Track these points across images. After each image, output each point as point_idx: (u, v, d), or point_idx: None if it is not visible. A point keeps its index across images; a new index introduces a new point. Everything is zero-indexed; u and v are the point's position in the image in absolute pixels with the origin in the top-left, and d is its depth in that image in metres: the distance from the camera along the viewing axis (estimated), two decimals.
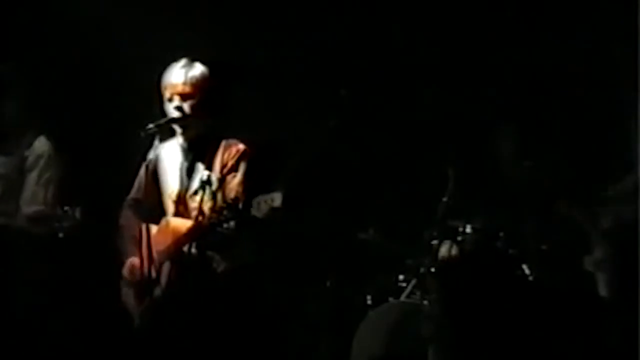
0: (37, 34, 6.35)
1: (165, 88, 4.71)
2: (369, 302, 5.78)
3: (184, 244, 4.58)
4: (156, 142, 4.71)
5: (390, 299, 5.74)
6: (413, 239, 5.74)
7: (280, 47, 6.29)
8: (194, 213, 4.58)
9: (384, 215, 6.06)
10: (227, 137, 4.71)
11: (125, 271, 4.76)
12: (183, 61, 4.72)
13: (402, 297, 5.70)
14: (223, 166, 4.62)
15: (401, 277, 5.80)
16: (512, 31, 6.15)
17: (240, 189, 4.55)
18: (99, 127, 6.25)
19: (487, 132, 5.94)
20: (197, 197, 4.59)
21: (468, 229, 5.62)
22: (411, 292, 5.70)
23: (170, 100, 4.69)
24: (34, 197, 5.25)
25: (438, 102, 6.22)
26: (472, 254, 5.59)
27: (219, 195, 4.54)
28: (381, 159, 6.38)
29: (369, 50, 6.34)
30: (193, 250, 4.57)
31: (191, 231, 4.54)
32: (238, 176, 4.59)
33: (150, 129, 4.70)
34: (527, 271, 5.45)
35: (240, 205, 4.34)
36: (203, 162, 4.68)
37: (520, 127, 5.87)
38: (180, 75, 4.67)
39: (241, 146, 4.66)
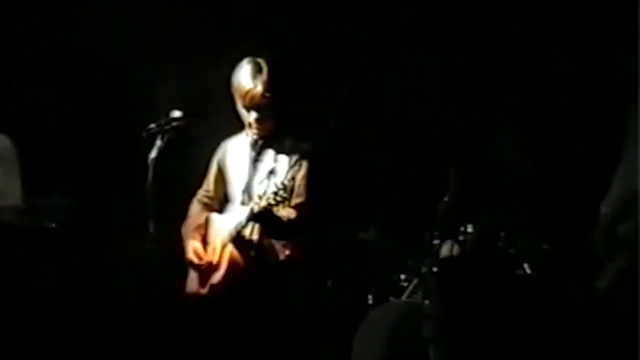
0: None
1: (240, 96, 4.69)
2: (370, 302, 5.78)
3: (243, 227, 4.63)
4: (158, 141, 4.74)
5: (391, 298, 5.74)
6: (414, 239, 5.73)
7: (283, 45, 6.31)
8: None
9: (385, 215, 6.07)
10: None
11: (190, 255, 4.81)
12: (251, 64, 4.68)
13: (403, 297, 5.70)
14: (288, 160, 4.66)
15: (402, 276, 5.80)
16: (513, 31, 6.16)
17: (304, 183, 4.61)
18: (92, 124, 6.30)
19: (489, 131, 5.93)
20: (262, 187, 4.64)
21: (469, 229, 5.62)
22: (412, 292, 5.70)
23: (246, 108, 4.70)
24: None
25: (439, 102, 6.23)
26: (473, 253, 5.59)
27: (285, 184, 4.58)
28: (382, 158, 6.38)
29: (370, 49, 6.35)
30: (254, 235, 4.63)
31: (249, 213, 4.57)
32: (302, 170, 4.64)
33: (151, 128, 4.75)
34: (528, 271, 5.45)
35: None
36: (270, 155, 4.73)
37: (523, 128, 5.87)
38: (254, 82, 4.64)
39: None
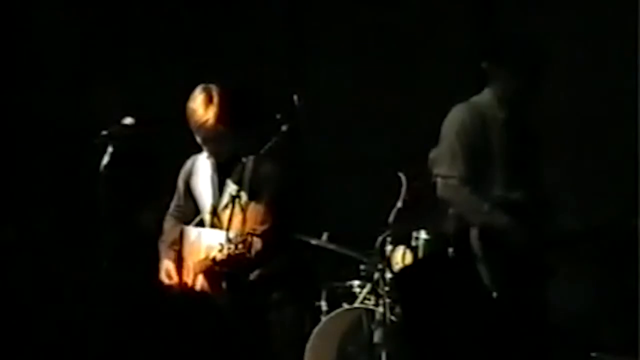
0: None
1: (194, 127, 4.71)
2: (324, 308, 5.76)
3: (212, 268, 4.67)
4: (109, 148, 4.72)
5: (344, 304, 5.73)
6: (367, 245, 5.72)
7: None
8: (225, 225, 4.64)
9: (337, 221, 6.07)
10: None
11: (162, 275, 4.86)
12: (202, 94, 4.68)
13: (356, 303, 5.70)
14: (252, 182, 4.67)
15: (356, 282, 5.80)
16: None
17: (267, 210, 4.64)
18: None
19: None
20: (228, 211, 4.65)
21: (422, 235, 5.65)
22: (365, 298, 5.70)
23: (197, 130, 4.70)
24: None
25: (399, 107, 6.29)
26: (425, 259, 5.61)
27: (249, 208, 4.62)
28: (335, 164, 6.40)
29: (320, 51, 6.39)
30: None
31: (212, 258, 4.63)
32: (266, 195, 4.66)
33: (102, 136, 4.73)
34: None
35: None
36: (232, 177, 4.74)
37: None
38: (206, 113, 4.65)
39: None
